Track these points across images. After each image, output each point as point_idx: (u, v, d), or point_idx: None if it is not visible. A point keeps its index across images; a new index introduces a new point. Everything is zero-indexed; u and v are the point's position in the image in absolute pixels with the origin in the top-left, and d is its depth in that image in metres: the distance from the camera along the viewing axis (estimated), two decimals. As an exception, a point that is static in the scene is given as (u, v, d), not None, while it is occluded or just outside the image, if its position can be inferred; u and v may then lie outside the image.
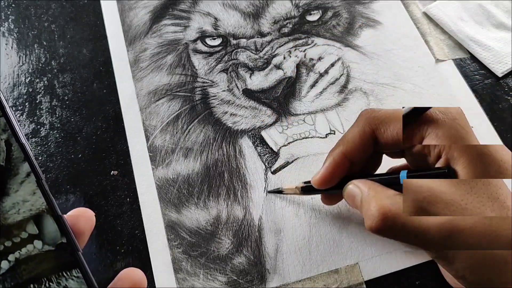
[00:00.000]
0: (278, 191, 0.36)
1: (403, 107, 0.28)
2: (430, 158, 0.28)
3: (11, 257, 0.20)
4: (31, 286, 0.20)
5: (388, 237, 0.27)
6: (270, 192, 0.36)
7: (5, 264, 0.20)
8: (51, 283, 0.20)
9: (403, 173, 0.28)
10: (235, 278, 0.33)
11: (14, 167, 0.21)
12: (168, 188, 0.37)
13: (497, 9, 0.44)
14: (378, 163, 0.32)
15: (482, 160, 0.26)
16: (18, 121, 0.40)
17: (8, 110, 0.21)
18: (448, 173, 0.26)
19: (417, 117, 0.28)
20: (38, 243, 0.21)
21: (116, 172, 0.38)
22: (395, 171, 0.30)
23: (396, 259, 0.34)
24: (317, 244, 0.34)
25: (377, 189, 0.28)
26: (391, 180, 0.29)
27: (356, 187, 0.29)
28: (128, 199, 0.37)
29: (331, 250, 0.34)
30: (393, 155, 0.31)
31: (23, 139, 0.21)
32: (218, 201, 0.36)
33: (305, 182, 0.33)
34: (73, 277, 0.20)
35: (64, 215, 0.22)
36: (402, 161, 0.32)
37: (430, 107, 0.27)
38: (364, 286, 0.33)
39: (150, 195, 0.36)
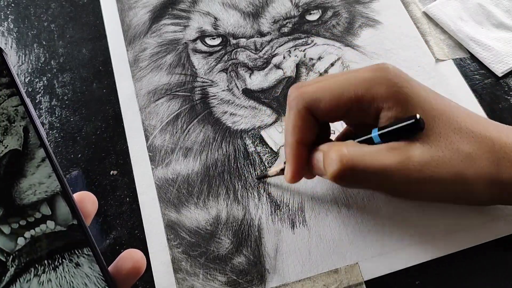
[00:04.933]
0: (265, 176, 0.36)
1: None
2: (369, 118, 0.29)
3: (27, 234, 0.22)
4: (45, 261, 0.22)
5: (350, 182, 0.29)
6: (258, 178, 0.36)
7: (21, 241, 0.22)
8: (63, 260, 0.22)
9: (375, 132, 0.29)
10: (235, 278, 0.33)
11: (30, 152, 0.23)
12: (167, 188, 0.37)
13: (497, 9, 0.44)
14: (328, 131, 0.34)
15: (415, 103, 0.28)
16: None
17: (26, 100, 0.23)
18: (417, 121, 0.27)
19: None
20: (50, 223, 0.22)
21: (115, 172, 0.38)
22: (339, 139, 0.33)
23: (396, 259, 0.34)
24: (317, 244, 0.34)
25: (336, 143, 0.30)
26: (365, 141, 0.29)
27: (319, 152, 0.30)
28: (127, 199, 0.37)
29: (331, 250, 0.34)
30: (335, 120, 0.32)
31: (40, 127, 0.23)
32: (217, 201, 0.36)
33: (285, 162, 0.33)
34: (84, 255, 0.22)
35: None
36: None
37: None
38: (364, 286, 0.33)
39: (149, 195, 0.36)
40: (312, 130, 0.31)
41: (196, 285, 0.33)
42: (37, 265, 0.22)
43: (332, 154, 0.28)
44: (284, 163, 0.33)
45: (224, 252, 0.34)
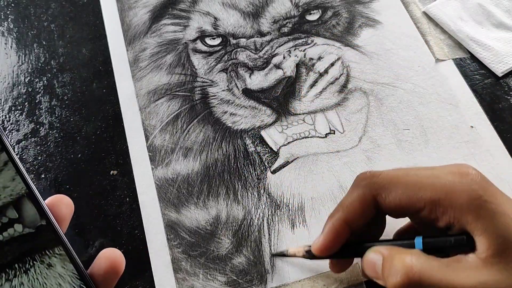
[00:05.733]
0: (282, 254, 0.34)
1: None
2: (440, 223, 0.26)
3: None
4: (16, 265, 0.21)
5: None
6: (274, 255, 0.34)
7: None
8: (35, 261, 0.22)
9: (418, 240, 0.27)
10: (235, 278, 0.33)
11: None
12: (167, 188, 0.37)
13: (497, 8, 0.44)
14: (382, 226, 0.31)
15: (501, 222, 0.24)
16: (17, 121, 0.40)
17: None
18: (467, 243, 0.25)
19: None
20: (18, 227, 0.22)
21: (115, 172, 0.38)
22: (401, 232, 0.30)
23: (396, 259, 0.33)
24: (317, 244, 0.34)
25: (399, 249, 0.26)
26: (405, 246, 0.27)
27: (377, 253, 0.27)
28: (127, 199, 0.37)
29: (331, 250, 0.34)
30: (397, 216, 0.29)
31: (0, 130, 0.22)
32: (217, 201, 0.36)
33: (310, 246, 0.31)
34: (56, 255, 0.22)
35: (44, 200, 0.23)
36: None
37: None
38: (364, 286, 0.33)
39: (149, 195, 0.36)
40: (366, 218, 0.28)
41: (196, 285, 0.33)
42: (7, 270, 0.21)
43: (397, 264, 0.25)
44: (306, 251, 0.31)
45: (224, 252, 0.34)
